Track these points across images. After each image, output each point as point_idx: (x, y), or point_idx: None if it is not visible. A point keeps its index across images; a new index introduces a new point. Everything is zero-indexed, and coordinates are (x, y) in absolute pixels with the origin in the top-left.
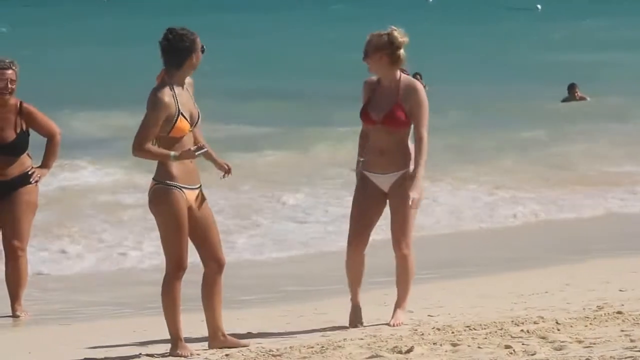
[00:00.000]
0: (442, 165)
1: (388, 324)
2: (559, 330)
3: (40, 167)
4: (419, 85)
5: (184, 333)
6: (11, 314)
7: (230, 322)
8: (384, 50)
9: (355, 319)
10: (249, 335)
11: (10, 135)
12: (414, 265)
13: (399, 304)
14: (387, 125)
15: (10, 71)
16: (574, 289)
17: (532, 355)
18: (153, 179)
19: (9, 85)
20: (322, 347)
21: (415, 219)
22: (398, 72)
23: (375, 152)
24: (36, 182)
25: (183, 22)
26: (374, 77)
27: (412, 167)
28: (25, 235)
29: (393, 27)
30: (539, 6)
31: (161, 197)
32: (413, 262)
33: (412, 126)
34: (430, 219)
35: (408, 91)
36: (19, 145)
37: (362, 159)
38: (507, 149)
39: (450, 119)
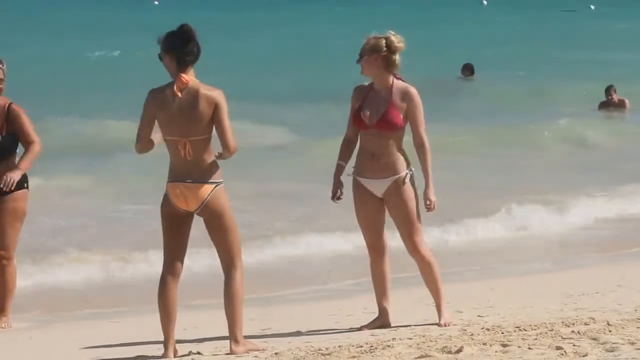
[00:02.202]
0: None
1: (437, 324)
2: (610, 331)
3: (13, 170)
4: (413, 89)
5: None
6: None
7: (280, 319)
8: (379, 52)
9: (380, 324)
10: (298, 333)
11: None
12: (434, 261)
13: (438, 304)
14: (381, 129)
15: None
16: (625, 290)
17: (584, 356)
18: (209, 182)
19: None
20: (372, 346)
21: (420, 215)
22: (391, 77)
23: (366, 156)
24: (8, 188)
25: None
26: (365, 83)
27: (404, 172)
28: (11, 243)
29: (391, 31)
30: (592, 6)
31: (225, 196)
32: (432, 258)
33: (405, 131)
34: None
35: (403, 94)
36: (5, 149)
37: (340, 162)
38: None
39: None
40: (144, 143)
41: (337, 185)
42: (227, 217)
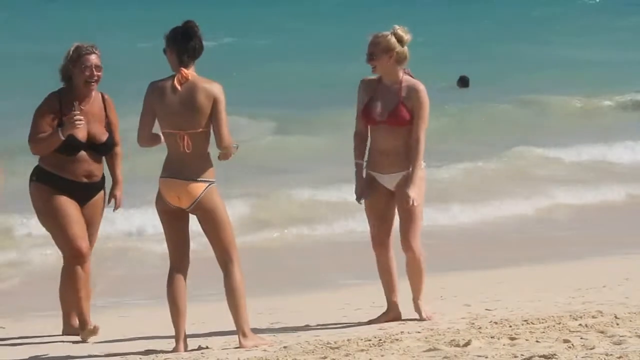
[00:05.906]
0: None
1: (419, 319)
2: (617, 324)
3: (116, 186)
4: (421, 86)
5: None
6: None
7: (288, 313)
8: (393, 50)
9: (391, 317)
10: (307, 327)
11: (103, 131)
12: (423, 264)
13: (417, 299)
14: (391, 124)
15: (93, 56)
16: (633, 284)
17: (591, 349)
18: (201, 180)
19: (95, 73)
20: (380, 340)
21: (423, 217)
22: (401, 72)
23: (377, 153)
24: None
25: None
26: (373, 77)
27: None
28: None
29: (396, 25)
30: None
31: (218, 193)
32: (423, 261)
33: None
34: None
35: (411, 91)
36: (112, 142)
37: (359, 162)
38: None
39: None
40: (147, 135)
41: (362, 185)
42: (220, 213)
